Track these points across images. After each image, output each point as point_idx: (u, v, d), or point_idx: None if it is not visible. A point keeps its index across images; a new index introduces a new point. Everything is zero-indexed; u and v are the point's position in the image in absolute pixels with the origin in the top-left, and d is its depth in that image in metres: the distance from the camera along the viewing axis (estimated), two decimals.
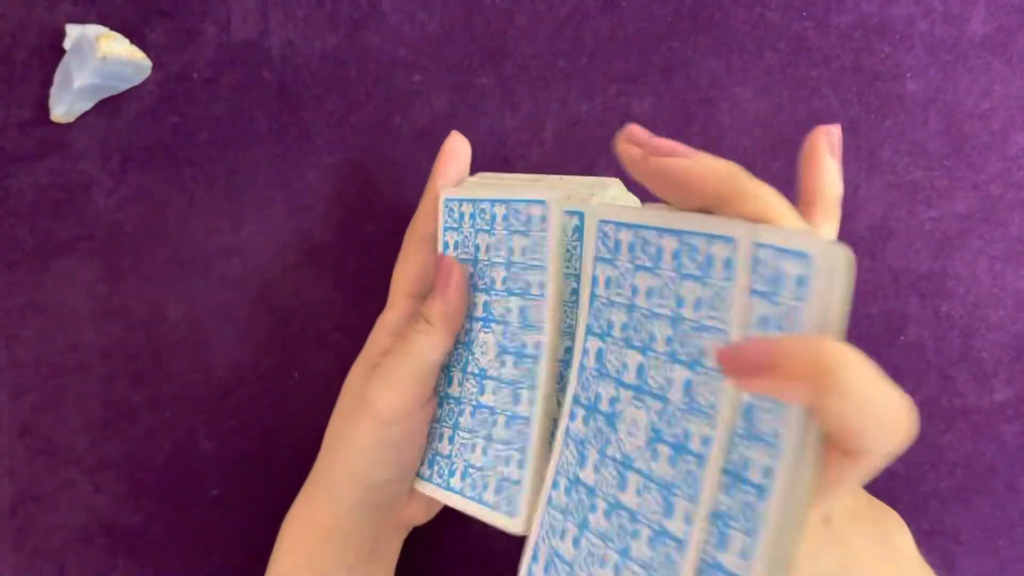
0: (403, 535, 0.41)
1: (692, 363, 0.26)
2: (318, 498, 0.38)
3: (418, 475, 0.38)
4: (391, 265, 0.45)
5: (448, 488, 0.36)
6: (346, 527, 0.38)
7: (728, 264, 0.24)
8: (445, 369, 0.38)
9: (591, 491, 0.29)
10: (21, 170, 0.44)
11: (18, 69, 0.44)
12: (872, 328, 0.44)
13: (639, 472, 0.27)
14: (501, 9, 0.44)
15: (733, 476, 0.24)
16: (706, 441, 0.25)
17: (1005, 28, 0.44)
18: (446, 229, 0.38)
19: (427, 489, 0.38)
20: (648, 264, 0.27)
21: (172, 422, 0.44)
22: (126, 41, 0.43)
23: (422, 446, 0.38)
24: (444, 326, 0.35)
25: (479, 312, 0.36)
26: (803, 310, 0.23)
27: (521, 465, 0.33)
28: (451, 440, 0.37)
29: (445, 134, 0.44)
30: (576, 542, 0.29)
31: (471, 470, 0.35)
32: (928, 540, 0.45)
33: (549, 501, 0.31)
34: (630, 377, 0.28)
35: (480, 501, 0.35)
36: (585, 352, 0.30)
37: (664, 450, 0.26)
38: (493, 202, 0.35)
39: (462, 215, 0.37)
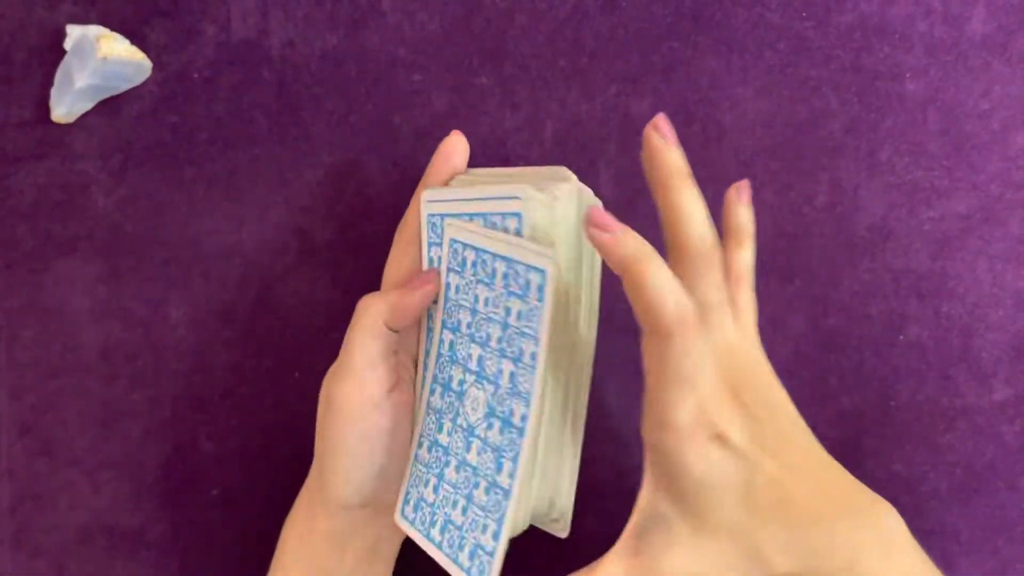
0: (402, 535, 0.41)
1: (515, 359, 0.34)
2: (314, 501, 0.39)
3: (402, 514, 0.38)
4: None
5: (428, 538, 0.36)
6: (342, 528, 0.38)
7: (540, 289, 0.32)
8: (437, 414, 0.37)
9: (446, 450, 0.36)
10: (21, 170, 0.44)
11: (18, 69, 0.44)
12: (872, 328, 0.44)
13: (479, 438, 0.35)
14: (501, 9, 0.44)
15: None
16: (523, 418, 0.33)
17: (1005, 28, 0.44)
18: (450, 270, 0.37)
19: (408, 530, 0.37)
20: (486, 280, 0.35)
21: (172, 422, 0.45)
22: (126, 41, 0.43)
23: (401, 439, 0.38)
24: (383, 316, 0.36)
25: (473, 365, 0.36)
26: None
27: (496, 537, 0.33)
28: (436, 490, 0.36)
29: (445, 134, 0.44)
30: (436, 489, 0.36)
31: (450, 526, 0.35)
32: (928, 540, 0.45)
33: (416, 458, 0.38)
34: (473, 365, 0.36)
35: (455, 561, 0.35)
36: (441, 342, 0.38)
37: (496, 423, 0.34)
38: (495, 256, 0.35)
39: (464, 260, 0.36)
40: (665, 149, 0.33)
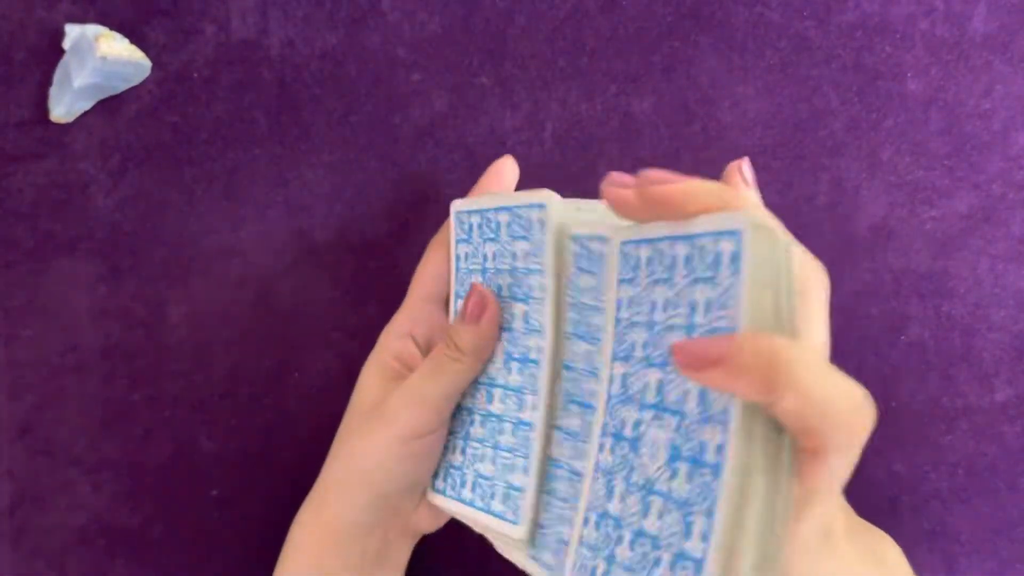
0: (412, 543, 0.41)
1: (525, 299, 0.30)
2: (328, 502, 0.38)
3: (432, 487, 0.38)
4: (391, 265, 0.45)
5: (460, 499, 0.36)
6: (355, 532, 0.38)
7: (735, 258, 0.24)
8: None
9: (470, 410, 0.33)
10: (20, 170, 0.44)
11: (17, 69, 0.44)
12: (872, 328, 0.44)
13: (500, 386, 0.31)
14: (501, 9, 0.44)
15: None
16: (719, 449, 0.24)
17: (1007, 27, 0.44)
18: (458, 241, 0.38)
19: (440, 501, 0.37)
20: (491, 236, 0.32)
21: (172, 422, 0.44)
22: (126, 41, 0.43)
23: (436, 459, 0.38)
24: (475, 356, 0.35)
25: None
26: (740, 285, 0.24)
27: (526, 471, 0.33)
28: (463, 451, 0.37)
29: (445, 134, 0.44)
30: (463, 451, 0.34)
31: (481, 480, 0.35)
32: (929, 540, 0.45)
33: (581, 540, 0.29)
34: (651, 397, 0.27)
35: (489, 511, 0.35)
36: (611, 380, 0.29)
37: (514, 365, 0.30)
38: (498, 209, 0.35)
39: (471, 226, 0.37)
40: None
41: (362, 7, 0.44)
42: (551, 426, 0.33)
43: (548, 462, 0.34)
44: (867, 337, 0.44)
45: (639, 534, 0.26)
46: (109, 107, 0.44)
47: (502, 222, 0.35)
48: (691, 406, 0.25)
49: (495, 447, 0.35)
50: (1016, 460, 0.44)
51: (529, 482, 0.33)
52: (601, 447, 0.29)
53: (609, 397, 0.29)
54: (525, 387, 0.34)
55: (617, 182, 0.27)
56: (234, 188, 0.44)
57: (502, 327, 0.35)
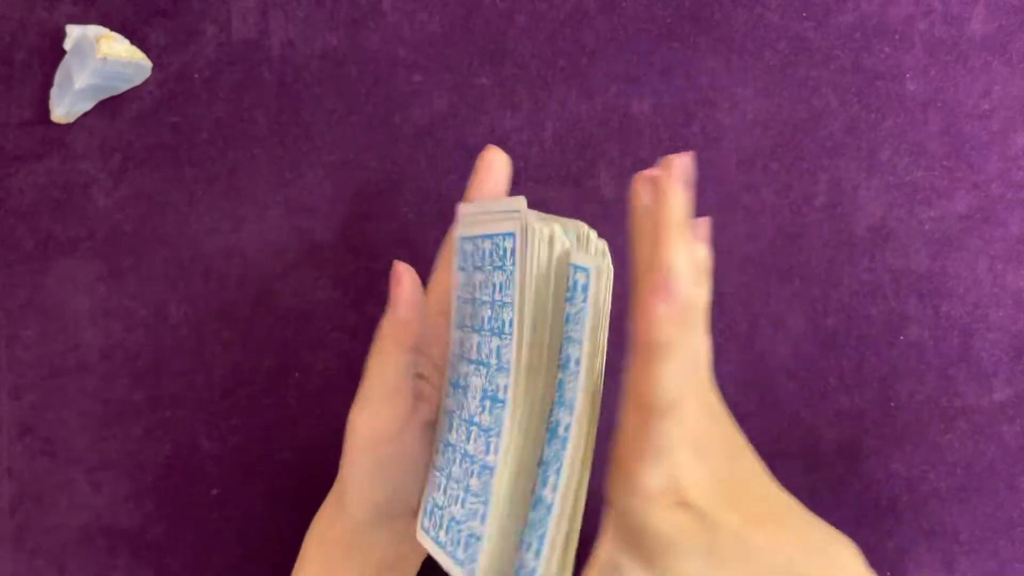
0: (421, 557, 0.41)
1: (499, 332, 0.33)
2: (335, 513, 0.38)
3: (421, 527, 0.36)
4: (390, 265, 0.45)
5: (437, 542, 0.35)
6: (361, 543, 0.38)
7: (512, 252, 0.32)
8: (448, 415, 0.36)
9: (454, 448, 0.35)
10: (21, 170, 0.44)
11: (18, 69, 0.44)
12: (872, 328, 0.44)
13: (477, 425, 0.34)
14: (501, 9, 0.44)
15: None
16: (505, 388, 0.32)
17: (1005, 28, 0.44)
18: (457, 268, 0.37)
19: (426, 544, 0.36)
20: (479, 264, 0.35)
21: (172, 422, 0.45)
22: (126, 41, 0.43)
23: (420, 463, 0.37)
24: (392, 340, 0.35)
25: (474, 354, 0.35)
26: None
27: (483, 519, 0.31)
28: (445, 491, 0.35)
29: (445, 134, 0.44)
30: (445, 490, 0.35)
31: (453, 524, 0.34)
32: (928, 539, 0.45)
33: (434, 464, 0.37)
34: (473, 354, 0.35)
35: (454, 557, 0.33)
36: (452, 342, 0.37)
37: (487, 404, 0.33)
38: (484, 237, 0.34)
39: (464, 253, 0.36)
40: (673, 194, 0.29)
41: (362, 7, 0.44)
42: (517, 474, 0.32)
43: (468, 460, 0.34)
44: (866, 337, 0.44)
45: (464, 456, 0.34)
46: (110, 107, 0.44)
47: (486, 250, 0.34)
48: (493, 360, 0.33)
49: (466, 490, 0.33)
50: (1015, 460, 0.44)
51: (485, 531, 0.31)
52: (448, 394, 0.37)
53: (451, 355, 0.37)
54: (491, 429, 0.32)
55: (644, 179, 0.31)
56: (234, 188, 0.45)
57: (483, 362, 0.34)
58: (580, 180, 0.44)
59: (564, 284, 0.32)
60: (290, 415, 0.45)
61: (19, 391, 0.44)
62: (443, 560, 0.34)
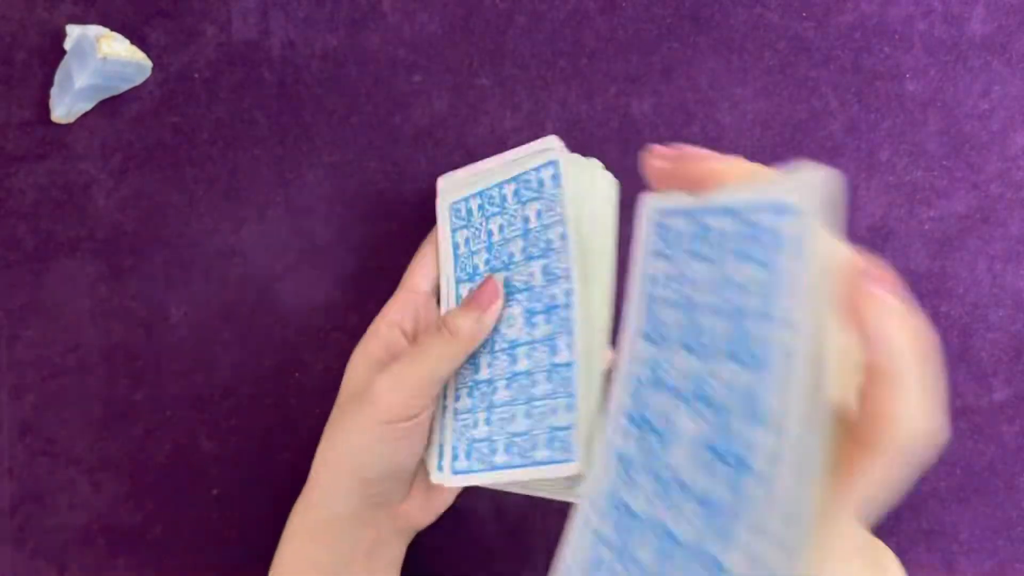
0: (405, 540, 0.41)
1: (544, 252, 0.36)
2: (315, 492, 0.39)
3: (453, 471, 0.38)
4: (391, 265, 0.45)
5: (493, 468, 0.36)
6: (343, 522, 0.38)
7: (555, 178, 0.31)
8: (473, 360, 0.38)
9: (489, 382, 0.36)
10: (21, 170, 0.44)
11: (18, 69, 0.44)
12: None
13: (525, 344, 0.36)
14: (501, 9, 0.44)
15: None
16: (568, 292, 0.35)
17: (1005, 28, 0.44)
18: (455, 230, 0.39)
19: (465, 482, 0.37)
20: (496, 211, 0.36)
21: (172, 422, 0.45)
22: (126, 41, 0.43)
23: (418, 447, 0.38)
24: (468, 343, 0.36)
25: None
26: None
27: (569, 409, 0.34)
28: (488, 422, 0.37)
29: (445, 134, 0.45)
30: (488, 422, 0.36)
31: (515, 438, 0.36)
32: (927, 539, 0.45)
33: (455, 413, 0.38)
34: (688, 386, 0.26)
35: (531, 463, 0.35)
36: (459, 297, 0.38)
37: (539, 319, 0.36)
38: (501, 184, 0.37)
39: (469, 210, 0.39)
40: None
41: (362, 8, 0.45)
42: (590, 360, 0.34)
43: (522, 375, 0.36)
44: None
45: (513, 377, 0.36)
46: (110, 108, 0.44)
47: (508, 193, 0.37)
48: (537, 281, 0.36)
49: (528, 402, 0.35)
50: (1014, 460, 0.44)
51: (575, 417, 0.33)
52: (623, 432, 0.28)
53: (635, 377, 0.28)
54: (557, 332, 0.35)
55: (659, 154, 0.27)
56: (235, 188, 0.45)
57: (520, 289, 0.36)
58: None
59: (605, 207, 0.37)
60: (290, 415, 0.45)
61: (19, 391, 0.44)
62: (507, 477, 0.35)
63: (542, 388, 0.35)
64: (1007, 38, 0.44)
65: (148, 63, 0.44)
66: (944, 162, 0.44)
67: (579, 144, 0.45)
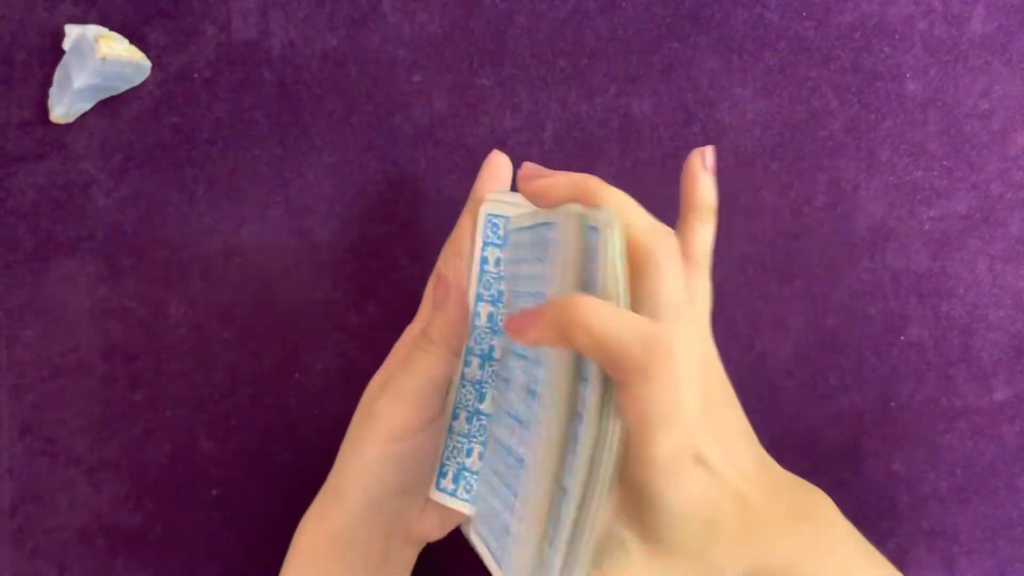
0: (416, 550, 0.41)
1: None
2: (329, 507, 0.38)
3: (437, 487, 0.38)
4: (391, 265, 0.45)
5: (471, 503, 0.36)
6: (355, 537, 0.38)
7: (555, 243, 0.31)
8: (477, 384, 0.37)
9: (489, 417, 0.36)
10: (21, 170, 0.44)
11: (18, 69, 0.44)
12: (872, 328, 0.44)
13: (522, 401, 0.34)
14: (501, 9, 0.44)
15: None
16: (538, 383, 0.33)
17: (1005, 28, 0.44)
18: (487, 244, 0.38)
19: (451, 503, 0.37)
20: (525, 250, 0.35)
21: (172, 422, 0.45)
22: (126, 41, 0.43)
23: (430, 463, 0.38)
24: (444, 344, 0.35)
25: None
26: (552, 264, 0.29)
27: (507, 506, 0.33)
28: (481, 456, 0.37)
29: (445, 134, 0.44)
30: (481, 456, 0.36)
31: (485, 505, 0.36)
32: (928, 539, 0.45)
33: (451, 429, 0.38)
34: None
35: (488, 547, 0.35)
36: (477, 314, 0.37)
37: (524, 396, 0.34)
38: (531, 228, 0.34)
39: (507, 233, 0.37)
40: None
41: (362, 8, 0.44)
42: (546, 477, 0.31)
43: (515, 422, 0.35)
44: (866, 337, 0.44)
45: (515, 418, 0.35)
46: (109, 108, 0.44)
47: (526, 241, 0.35)
48: (528, 351, 0.34)
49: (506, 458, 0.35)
50: (1014, 460, 0.44)
51: (513, 530, 0.32)
52: (468, 363, 0.37)
53: (475, 327, 0.37)
54: (527, 421, 0.33)
55: (520, 176, 0.32)
56: (235, 188, 0.45)
57: (521, 354, 0.35)
58: None
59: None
60: (290, 415, 0.45)
61: (19, 391, 0.44)
62: (473, 531, 0.36)
63: (504, 470, 0.34)
64: (1007, 38, 0.44)
65: (147, 63, 0.44)
66: (944, 162, 0.44)
67: (579, 144, 0.44)
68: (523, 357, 0.35)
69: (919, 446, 0.45)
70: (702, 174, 0.33)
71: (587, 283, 0.28)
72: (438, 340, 0.35)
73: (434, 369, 0.35)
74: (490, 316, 0.37)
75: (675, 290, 0.29)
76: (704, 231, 0.33)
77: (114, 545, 0.44)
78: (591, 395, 0.27)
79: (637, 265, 0.28)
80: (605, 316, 0.27)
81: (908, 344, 0.44)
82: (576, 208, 0.29)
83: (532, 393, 0.33)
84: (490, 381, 0.37)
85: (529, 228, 0.34)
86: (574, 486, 0.28)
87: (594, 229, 0.28)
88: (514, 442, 0.34)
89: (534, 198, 0.31)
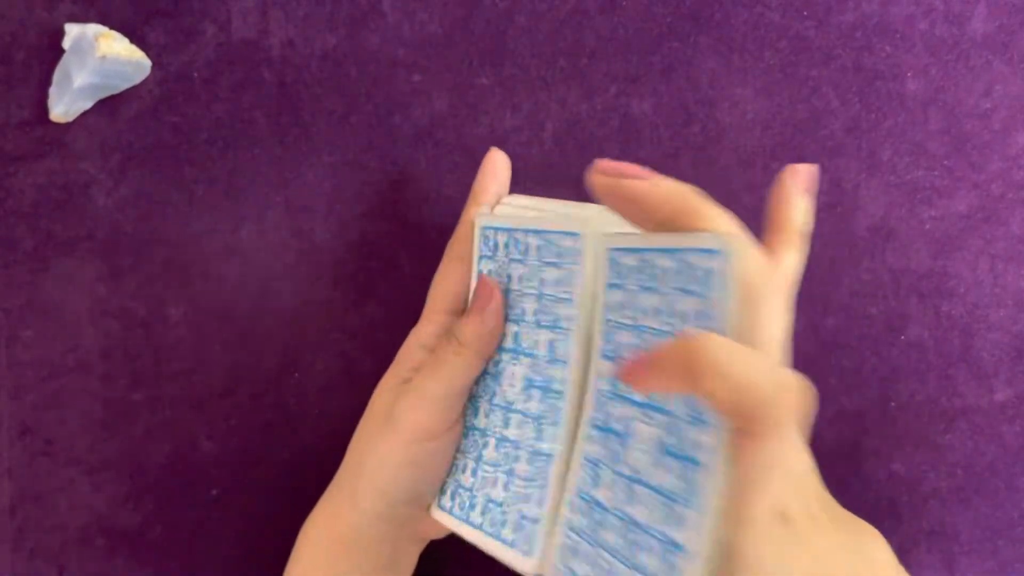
0: (420, 548, 0.41)
1: (552, 326, 0.33)
2: (339, 506, 0.38)
3: (438, 505, 0.38)
4: (391, 265, 0.45)
5: (467, 522, 0.36)
6: (365, 538, 0.38)
7: (576, 252, 0.31)
8: (472, 399, 0.37)
9: (483, 432, 0.35)
10: (21, 170, 0.44)
11: (18, 69, 0.44)
12: (872, 328, 0.44)
13: (519, 412, 0.34)
14: (501, 9, 0.44)
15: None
16: (563, 381, 0.33)
17: (1006, 27, 0.44)
18: (482, 257, 0.37)
19: (446, 520, 0.37)
20: (519, 257, 0.34)
21: (172, 422, 0.45)
22: (126, 40, 0.43)
23: (445, 466, 0.37)
24: (477, 349, 0.35)
25: (509, 343, 0.36)
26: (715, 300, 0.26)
27: (540, 503, 0.33)
28: (473, 473, 0.36)
29: (445, 134, 0.44)
30: (473, 472, 0.35)
31: (491, 505, 0.35)
32: (928, 540, 0.45)
33: (567, 522, 0.33)
34: (508, 342, 0.35)
35: (498, 538, 0.34)
36: (600, 375, 0.32)
37: (535, 393, 0.33)
38: (527, 231, 0.35)
39: (496, 243, 0.36)
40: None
41: (362, 7, 0.44)
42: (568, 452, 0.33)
43: (509, 444, 0.34)
44: (867, 337, 0.44)
45: (502, 440, 0.34)
46: (109, 107, 0.44)
47: (532, 244, 0.35)
48: (541, 351, 0.33)
49: (509, 473, 0.34)
50: (1015, 460, 0.44)
51: (544, 514, 0.32)
52: (589, 438, 0.32)
53: (598, 391, 0.32)
54: (545, 417, 0.33)
55: (601, 170, 0.29)
56: (234, 188, 0.45)
57: (526, 351, 0.35)
58: (580, 180, 0.44)
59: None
60: (290, 415, 0.45)
61: (19, 391, 0.44)
62: (478, 539, 0.35)
63: (523, 468, 0.34)
64: (1009, 37, 0.44)
65: (147, 62, 0.44)
66: (945, 161, 0.44)
67: (579, 144, 0.44)
68: (525, 355, 0.35)
69: (919, 446, 0.45)
70: (796, 195, 0.31)
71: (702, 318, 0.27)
72: (472, 345, 0.35)
73: (464, 374, 0.35)
74: (516, 336, 0.36)
75: (779, 328, 0.27)
76: (790, 258, 0.31)
77: (114, 545, 0.44)
78: (707, 438, 0.26)
79: (746, 300, 0.26)
80: (740, 359, 0.24)
81: (908, 344, 0.44)
82: (739, 239, 0.26)
83: (550, 391, 0.33)
84: (482, 394, 0.37)
85: (635, 251, 0.30)
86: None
87: (712, 255, 0.26)
88: (522, 435, 0.34)
89: (621, 201, 0.28)
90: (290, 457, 0.45)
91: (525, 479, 0.34)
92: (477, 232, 0.37)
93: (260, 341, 0.45)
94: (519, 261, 0.35)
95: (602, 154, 0.44)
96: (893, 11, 0.44)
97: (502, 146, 0.44)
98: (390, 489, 0.36)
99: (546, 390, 0.34)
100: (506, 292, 0.36)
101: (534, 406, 0.34)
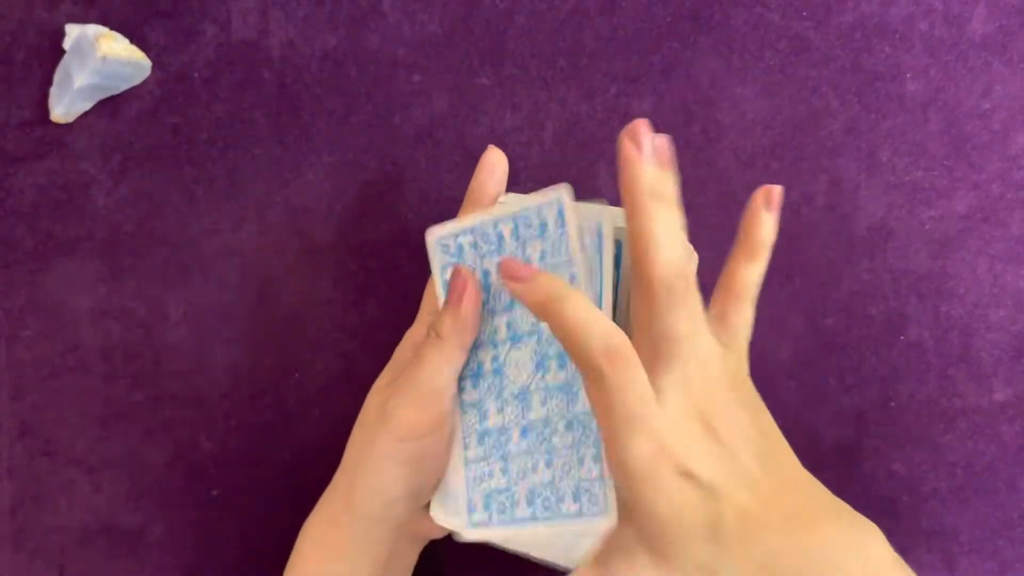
0: (419, 548, 0.41)
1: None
2: (336, 508, 0.38)
3: (471, 524, 0.36)
4: (391, 265, 0.45)
5: (515, 520, 0.35)
6: (363, 540, 0.38)
7: (560, 215, 0.34)
8: (476, 405, 0.37)
9: (501, 429, 0.36)
10: (21, 170, 0.44)
11: (18, 69, 0.44)
12: (872, 328, 0.44)
13: (538, 390, 0.35)
14: (501, 9, 0.44)
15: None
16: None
17: (1005, 28, 0.44)
18: (443, 267, 0.37)
19: (487, 534, 0.36)
20: (492, 250, 0.36)
21: (172, 422, 0.45)
22: (126, 41, 0.43)
23: (440, 465, 0.37)
24: (454, 338, 0.35)
25: (503, 334, 0.36)
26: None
27: (596, 459, 0.33)
28: (505, 472, 0.35)
29: (445, 134, 0.44)
30: (504, 472, 0.35)
31: (539, 490, 0.34)
32: (928, 540, 0.45)
33: (466, 462, 0.37)
34: (503, 335, 0.36)
35: (560, 516, 0.33)
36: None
37: (551, 364, 0.34)
38: (496, 222, 0.35)
39: (461, 247, 0.37)
40: (637, 162, 0.30)
41: (362, 8, 0.44)
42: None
43: (539, 424, 0.35)
44: (866, 337, 0.44)
45: (528, 427, 0.35)
46: (109, 107, 0.44)
47: (505, 231, 0.35)
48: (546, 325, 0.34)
49: (548, 452, 0.34)
50: (1015, 460, 0.44)
51: (603, 468, 0.32)
52: (463, 389, 0.37)
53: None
54: (573, 379, 0.33)
55: (510, 275, 0.33)
56: (234, 188, 0.45)
57: (528, 332, 0.35)
58: (580, 180, 0.44)
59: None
60: (290, 415, 0.45)
61: (19, 391, 0.44)
62: (531, 532, 0.34)
63: (562, 438, 0.34)
64: (1008, 38, 0.44)
65: (147, 63, 0.44)
66: (945, 162, 0.44)
67: (579, 144, 0.44)
68: (528, 335, 0.35)
69: (919, 446, 0.45)
70: (763, 212, 0.33)
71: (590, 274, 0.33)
72: (448, 335, 0.35)
73: (444, 366, 0.35)
74: (509, 324, 0.36)
75: (674, 325, 0.30)
76: (752, 267, 0.33)
77: (114, 545, 0.44)
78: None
79: (649, 293, 0.30)
80: (583, 309, 0.30)
81: (908, 344, 0.44)
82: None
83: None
84: (487, 396, 0.37)
85: (469, 231, 0.36)
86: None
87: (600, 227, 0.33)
88: (552, 410, 0.35)
89: (518, 300, 0.33)
90: (290, 457, 0.45)
91: (570, 447, 0.34)
92: (433, 246, 0.37)
93: (260, 341, 0.45)
94: (493, 253, 0.36)
95: (602, 154, 0.44)
96: (893, 12, 0.44)
97: (502, 146, 0.44)
98: (385, 487, 0.36)
99: (563, 356, 0.34)
100: (485, 288, 0.36)
101: (554, 377, 0.34)
